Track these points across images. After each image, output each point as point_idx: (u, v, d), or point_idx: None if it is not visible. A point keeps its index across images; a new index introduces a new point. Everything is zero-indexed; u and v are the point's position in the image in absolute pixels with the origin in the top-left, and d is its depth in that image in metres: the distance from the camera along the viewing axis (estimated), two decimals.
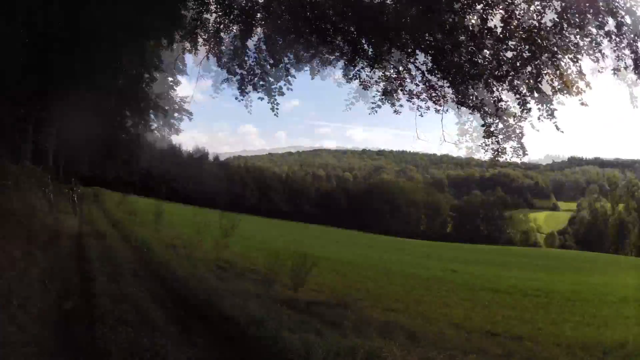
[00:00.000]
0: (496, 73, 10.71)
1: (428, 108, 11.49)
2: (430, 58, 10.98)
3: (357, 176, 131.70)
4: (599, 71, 10.36)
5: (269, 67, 12.17)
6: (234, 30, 11.85)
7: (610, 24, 9.76)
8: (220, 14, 11.62)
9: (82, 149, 40.46)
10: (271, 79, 12.24)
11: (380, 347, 5.55)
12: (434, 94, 11.40)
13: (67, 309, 6.77)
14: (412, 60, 11.24)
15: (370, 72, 11.60)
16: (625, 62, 10.12)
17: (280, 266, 13.55)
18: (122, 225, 19.07)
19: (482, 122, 11.30)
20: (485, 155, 11.83)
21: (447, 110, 11.60)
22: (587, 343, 9.80)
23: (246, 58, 12.24)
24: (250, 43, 12.13)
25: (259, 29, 11.79)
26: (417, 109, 11.60)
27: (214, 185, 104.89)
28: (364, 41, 11.33)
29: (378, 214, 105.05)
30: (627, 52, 10.03)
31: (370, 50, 11.33)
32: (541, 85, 10.51)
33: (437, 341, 7.67)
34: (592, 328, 12.02)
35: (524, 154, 11.44)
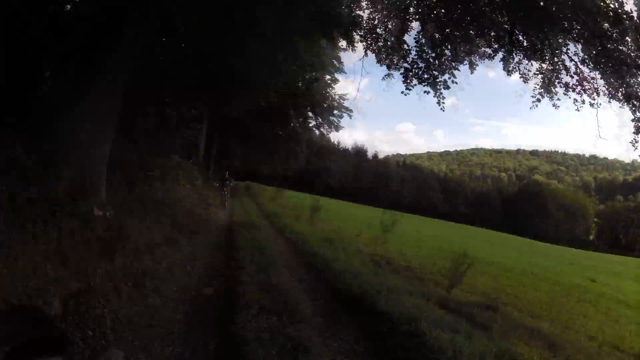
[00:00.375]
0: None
1: (583, 102, 11.63)
2: (580, 47, 11.05)
3: (511, 177, 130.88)
4: None
5: (431, 60, 12.66)
6: (390, 26, 12.71)
7: None
8: (372, 10, 12.60)
9: (235, 145, 43.42)
10: (435, 72, 12.65)
11: (522, 353, 5.82)
12: (587, 87, 11.51)
13: (207, 294, 7.08)
14: (565, 50, 11.36)
15: (527, 64, 12.01)
16: None
17: (433, 265, 14.86)
18: (276, 217, 19.64)
19: (632, 117, 11.32)
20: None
21: (600, 105, 11.63)
22: None
23: (407, 51, 12.92)
24: (410, 38, 13.01)
25: (416, 24, 12.49)
26: (574, 102, 11.74)
27: (371, 182, 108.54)
28: (518, 31, 11.52)
29: (528, 217, 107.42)
30: None
31: (525, 41, 11.59)
32: None
33: (574, 353, 7.92)
34: None
35: None
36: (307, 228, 17.39)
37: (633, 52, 10.46)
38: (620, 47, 10.47)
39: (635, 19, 10.02)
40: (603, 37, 10.19)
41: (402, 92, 12.97)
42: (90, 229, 7.04)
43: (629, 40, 10.39)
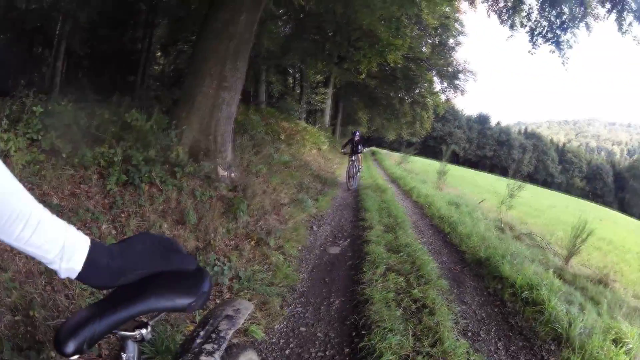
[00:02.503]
0: None
1: None
2: None
3: (623, 151, 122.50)
4: None
5: (553, 19, 12.74)
6: None
7: None
8: None
9: (361, 110, 43.39)
10: (558, 32, 12.78)
11: (627, 333, 5.32)
12: None
13: (333, 253, 6.95)
14: None
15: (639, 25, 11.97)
16: None
17: (552, 234, 14.74)
18: (403, 181, 19.32)
19: None
20: None
21: None
22: None
23: (530, 11, 13.15)
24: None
25: None
26: None
27: (494, 150, 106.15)
28: None
29: (637, 195, 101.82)
30: None
31: (633, 1, 11.46)
32: None
33: None
34: None
35: None
36: (433, 192, 17.04)
37: None
38: None
39: None
40: None
41: (529, 52, 13.49)
42: (214, 188, 7.02)
43: None
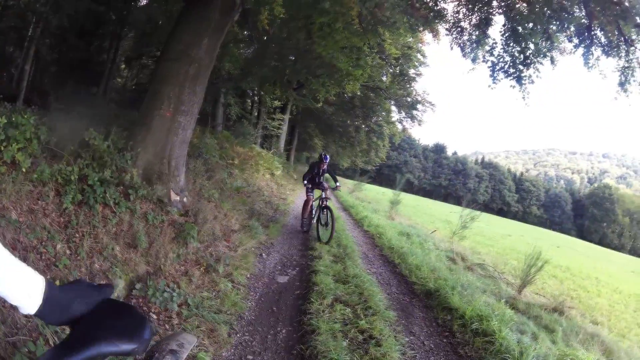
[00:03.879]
0: None
1: None
2: None
3: (583, 179, 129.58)
4: None
5: (517, 54, 12.87)
6: (474, 20, 12.92)
7: None
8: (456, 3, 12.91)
9: (316, 137, 43.73)
10: (520, 67, 12.85)
11: (582, 359, 5.82)
12: None
13: (281, 282, 7.02)
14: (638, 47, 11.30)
15: (606, 59, 12.47)
16: None
17: (505, 264, 15.32)
18: (354, 209, 19.60)
19: None
20: None
21: None
22: None
23: (493, 45, 13.15)
24: (496, 31, 13.31)
25: (500, 17, 12.72)
26: None
27: (449, 179, 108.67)
28: (595, 27, 11.55)
29: (596, 222, 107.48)
30: None
31: (602, 36, 11.62)
32: None
33: None
34: None
35: None
36: (385, 222, 17.32)
37: None
38: None
39: None
40: None
41: (489, 86, 13.27)
42: (166, 212, 7.03)
43: None
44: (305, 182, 11.67)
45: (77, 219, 5.13)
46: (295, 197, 19.52)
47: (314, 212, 11.81)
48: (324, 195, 11.20)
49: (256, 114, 31.95)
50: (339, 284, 6.83)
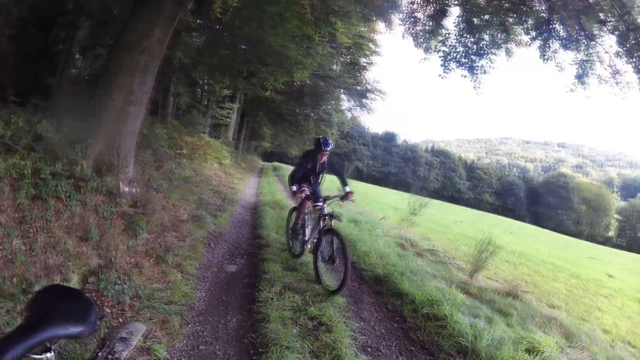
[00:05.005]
0: None
1: (615, 94, 11.61)
2: (615, 40, 11.04)
3: (537, 168, 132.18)
4: None
5: (470, 44, 12.90)
6: (429, 11, 12.90)
7: None
8: None
9: (265, 126, 43.59)
10: (473, 57, 12.93)
11: (540, 341, 5.79)
12: (619, 80, 11.46)
13: (230, 272, 7.13)
14: (600, 42, 11.41)
15: (564, 52, 12.15)
16: None
17: (456, 250, 14.78)
18: None
19: None
20: None
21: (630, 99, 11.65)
22: None
23: (447, 36, 13.14)
24: (451, 22, 13.23)
25: (455, 8, 12.68)
26: (607, 95, 12.07)
27: (399, 167, 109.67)
28: (555, 20, 11.63)
29: (551, 209, 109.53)
30: None
31: (562, 30, 11.76)
32: None
33: (588, 344, 7.89)
34: None
35: None
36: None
37: None
38: None
39: None
40: (637, 31, 10.17)
41: (440, 76, 13.30)
42: (116, 204, 7.03)
43: None
44: (294, 187, 7.75)
45: (31, 214, 5.13)
46: (244, 186, 19.62)
47: (307, 232, 7.96)
48: (325, 210, 7.34)
49: (206, 103, 31.69)
50: (287, 272, 6.93)
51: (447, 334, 5.47)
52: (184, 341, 4.49)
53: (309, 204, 7.91)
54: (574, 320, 10.39)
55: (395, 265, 8.32)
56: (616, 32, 10.76)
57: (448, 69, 13.17)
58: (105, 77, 8.37)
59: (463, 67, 13.00)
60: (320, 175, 8.44)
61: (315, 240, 7.34)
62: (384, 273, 7.76)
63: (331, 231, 6.75)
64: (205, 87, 31.41)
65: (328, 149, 7.68)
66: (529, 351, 5.52)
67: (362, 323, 5.71)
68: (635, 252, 68.47)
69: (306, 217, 8.02)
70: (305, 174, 8.11)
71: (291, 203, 16.96)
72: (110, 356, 1.91)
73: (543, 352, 5.55)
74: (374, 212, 21.38)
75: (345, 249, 6.17)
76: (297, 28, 14.11)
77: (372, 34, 28.90)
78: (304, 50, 17.65)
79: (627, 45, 10.66)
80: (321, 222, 7.28)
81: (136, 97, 8.30)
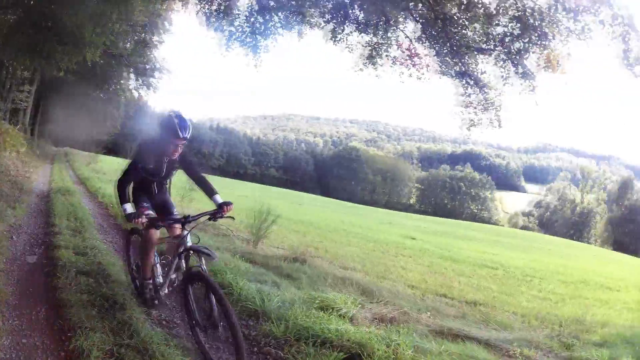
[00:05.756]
0: (484, 46, 11.81)
1: (410, 75, 12.77)
2: (420, 27, 12.02)
3: (327, 142, 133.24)
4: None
5: (259, 25, 13.22)
6: None
7: (606, 14, 10.68)
8: None
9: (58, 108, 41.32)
10: (259, 37, 13.34)
11: (334, 299, 6.13)
12: (417, 62, 12.53)
13: (31, 262, 7.41)
14: (401, 28, 12.29)
15: (358, 36, 12.80)
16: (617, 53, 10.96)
17: (240, 222, 13.42)
18: (90, 182, 19.99)
19: (462, 92, 12.58)
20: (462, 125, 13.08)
21: (428, 79, 12.83)
22: (542, 315, 10.57)
23: (236, 16, 13.37)
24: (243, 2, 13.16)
25: None
26: (400, 75, 12.97)
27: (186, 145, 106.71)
28: (355, 7, 12.29)
29: (344, 180, 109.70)
30: (619, 43, 10.92)
31: (361, 15, 12.33)
32: (526, 61, 11.58)
33: (392, 298, 8.16)
34: (548, 303, 12.85)
35: (499, 125, 12.81)
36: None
37: (478, 37, 11.57)
38: (464, 32, 11.54)
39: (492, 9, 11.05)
40: (447, 20, 11.09)
41: (221, 54, 13.75)
42: None
43: (477, 27, 11.47)
44: (128, 208, 5.18)
45: None
46: (38, 174, 19.29)
47: (158, 271, 5.66)
48: (188, 241, 5.04)
49: (9, 86, 29.64)
50: (79, 257, 7.22)
51: (234, 300, 5.76)
52: (9, 338, 4.47)
53: (157, 233, 5.40)
54: (374, 279, 11.02)
55: None
56: (422, 20, 11.71)
57: (230, 47, 13.69)
58: None
59: (246, 47, 13.49)
60: (168, 180, 5.92)
61: (177, 281, 5.22)
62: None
63: (201, 278, 4.55)
64: (10, 69, 29.42)
65: (187, 135, 5.22)
66: (322, 309, 5.84)
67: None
68: (440, 217, 72.49)
69: (155, 257, 5.68)
70: (142, 182, 5.56)
71: (80, 189, 17.74)
72: None
73: (340, 309, 5.87)
74: None
75: (229, 311, 4.13)
76: (96, 7, 14.22)
77: (169, 12, 28.40)
78: (99, 30, 17.33)
79: (433, 32, 11.56)
80: (182, 260, 4.98)
81: None
